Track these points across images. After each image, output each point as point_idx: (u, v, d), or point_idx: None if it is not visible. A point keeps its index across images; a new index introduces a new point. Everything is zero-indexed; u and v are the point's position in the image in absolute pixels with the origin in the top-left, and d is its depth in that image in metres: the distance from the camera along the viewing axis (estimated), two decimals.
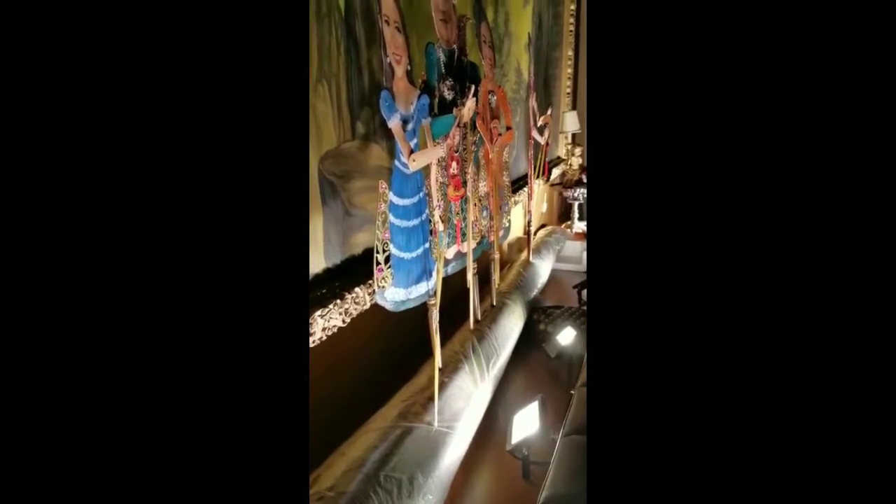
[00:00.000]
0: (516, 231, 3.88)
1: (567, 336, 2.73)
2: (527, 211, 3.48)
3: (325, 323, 1.60)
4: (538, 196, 4.12)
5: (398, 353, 2.10)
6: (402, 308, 1.72)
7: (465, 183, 1.98)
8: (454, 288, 2.26)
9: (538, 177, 3.60)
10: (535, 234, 3.81)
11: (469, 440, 1.87)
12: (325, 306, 1.61)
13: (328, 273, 1.73)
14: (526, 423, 1.92)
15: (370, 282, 1.77)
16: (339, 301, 1.67)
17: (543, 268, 3.64)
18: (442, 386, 1.83)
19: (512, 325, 2.67)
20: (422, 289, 1.77)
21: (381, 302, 1.66)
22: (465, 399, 1.92)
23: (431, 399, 1.76)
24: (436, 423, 1.70)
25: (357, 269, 1.80)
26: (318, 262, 1.68)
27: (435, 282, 1.82)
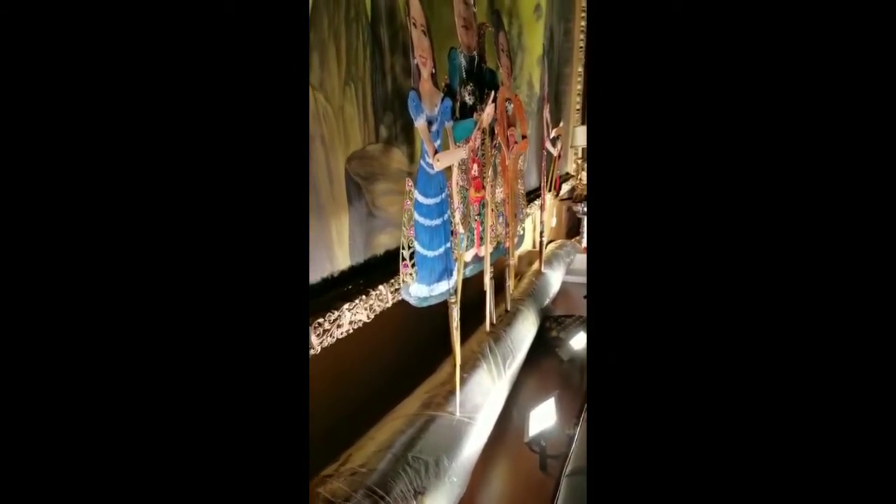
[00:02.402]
0: (527, 245, 3.94)
1: (580, 341, 2.77)
2: (539, 221, 3.54)
3: (351, 316, 1.66)
4: (549, 209, 4.18)
5: (418, 350, 2.16)
6: (425, 304, 1.77)
7: (485, 186, 2.05)
8: (470, 293, 2.32)
9: (549, 190, 3.67)
10: (546, 246, 3.86)
11: (488, 432, 1.92)
12: (351, 300, 1.67)
13: (352, 270, 1.79)
14: (542, 417, 1.97)
15: (392, 280, 1.84)
16: (364, 297, 1.73)
17: (555, 278, 3.69)
18: (461, 381, 1.88)
19: (526, 330, 2.72)
20: (443, 287, 1.82)
21: (405, 296, 1.71)
22: (484, 394, 1.97)
23: (452, 392, 1.82)
24: (458, 414, 1.75)
25: (378, 270, 1.86)
26: (343, 260, 1.75)
27: (455, 281, 1.87)
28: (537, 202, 3.52)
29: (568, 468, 1.52)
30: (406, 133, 1.99)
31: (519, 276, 3.47)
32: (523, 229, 2.90)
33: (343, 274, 1.74)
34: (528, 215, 3.33)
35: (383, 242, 1.94)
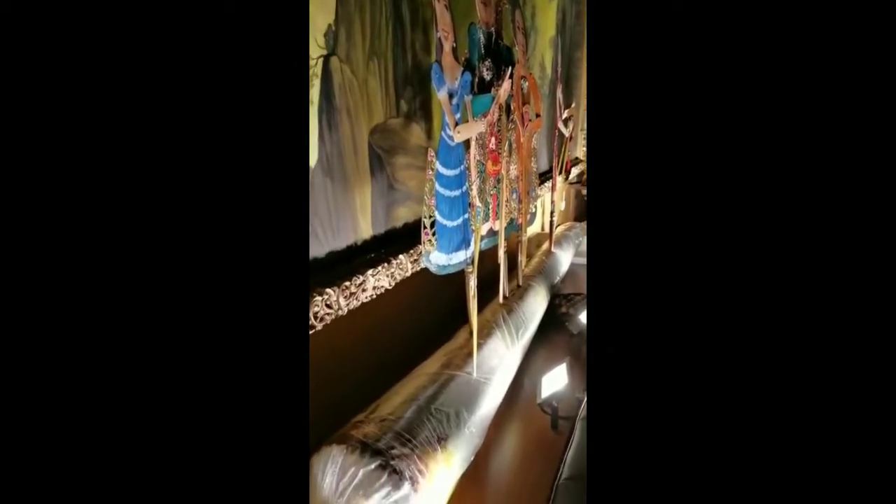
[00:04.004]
0: (536, 228, 4.01)
1: None
2: (550, 202, 3.60)
3: (375, 282, 1.74)
4: (559, 192, 4.24)
5: (436, 318, 2.26)
6: (443, 272, 1.85)
7: (501, 161, 2.12)
8: (483, 269, 2.40)
9: (560, 172, 3.73)
10: (556, 227, 3.93)
11: (503, 393, 2.03)
12: (374, 267, 1.75)
13: (375, 240, 1.87)
14: (554, 380, 2.07)
15: (411, 251, 1.92)
16: (386, 264, 1.81)
17: (564, 258, 3.77)
18: (478, 346, 1.98)
19: (537, 304, 2.80)
20: (461, 256, 1.90)
21: (426, 264, 1.79)
22: (499, 358, 2.07)
23: (470, 355, 1.92)
24: (475, 374, 1.85)
25: (398, 241, 1.94)
26: (366, 229, 1.82)
27: (473, 251, 1.95)
28: (548, 184, 3.58)
29: (582, 413, 1.61)
30: (424, 109, 2.06)
31: (529, 257, 3.54)
32: (535, 207, 2.97)
33: (366, 243, 1.82)
34: (539, 196, 3.40)
35: (402, 215, 2.01)
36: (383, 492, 1.24)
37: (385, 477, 1.26)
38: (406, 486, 1.27)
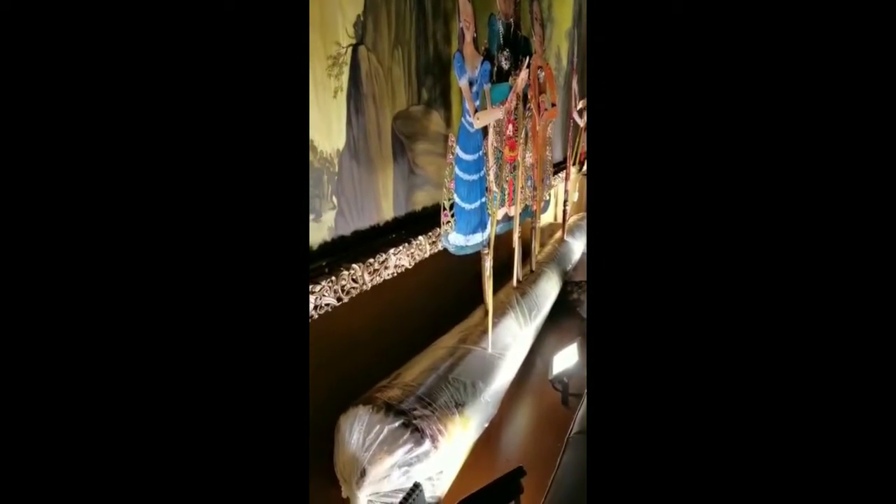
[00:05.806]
0: (549, 217, 4.07)
1: None
2: (564, 191, 3.67)
3: (396, 260, 1.84)
4: (573, 181, 4.29)
5: (453, 298, 2.35)
6: (461, 252, 1.94)
7: (517, 147, 2.20)
8: (497, 256, 2.48)
9: (574, 163, 3.78)
10: (569, 217, 3.98)
11: (516, 369, 2.13)
12: (396, 246, 1.84)
13: (396, 221, 1.96)
14: (566, 358, 2.16)
15: (429, 233, 2.01)
16: (406, 244, 1.90)
17: (576, 247, 3.84)
18: (493, 325, 2.07)
19: (550, 288, 2.89)
20: (478, 238, 1.99)
21: (444, 244, 1.88)
22: (513, 337, 2.17)
23: (485, 332, 2.02)
24: (490, 349, 1.95)
25: (417, 224, 2.03)
26: (388, 211, 1.91)
27: (489, 233, 2.04)
28: (562, 175, 3.65)
29: None
30: (444, 97, 2.14)
31: (542, 245, 3.62)
32: (549, 196, 3.04)
33: (388, 224, 1.91)
34: (553, 185, 3.46)
35: (421, 199, 2.10)
36: (406, 447, 1.35)
37: (408, 434, 1.36)
38: (427, 444, 1.37)
